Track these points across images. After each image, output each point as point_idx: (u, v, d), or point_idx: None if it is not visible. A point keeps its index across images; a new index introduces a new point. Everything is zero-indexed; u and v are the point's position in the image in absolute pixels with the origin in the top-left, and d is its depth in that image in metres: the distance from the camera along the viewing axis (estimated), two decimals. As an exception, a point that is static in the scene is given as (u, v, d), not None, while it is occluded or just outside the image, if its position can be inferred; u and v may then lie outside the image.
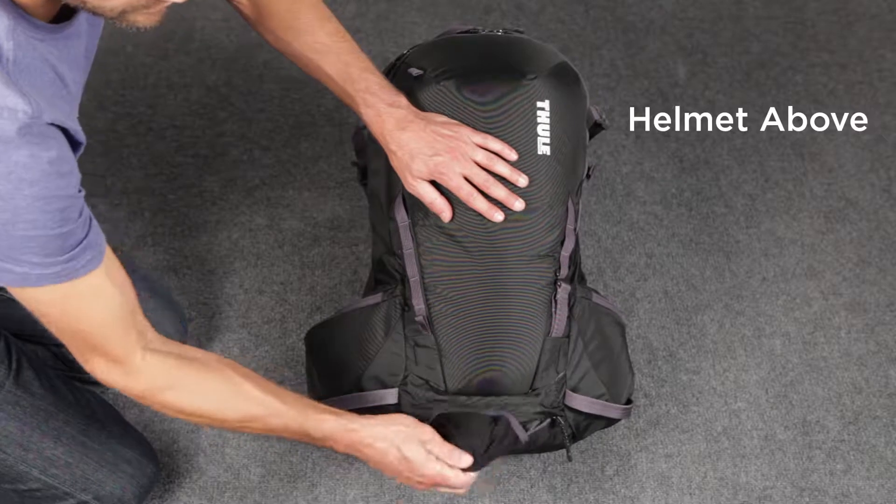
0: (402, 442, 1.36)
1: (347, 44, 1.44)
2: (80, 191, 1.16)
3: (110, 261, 1.23)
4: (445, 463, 1.37)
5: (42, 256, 1.13)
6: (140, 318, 1.29)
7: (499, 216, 1.43)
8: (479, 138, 1.42)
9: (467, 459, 1.38)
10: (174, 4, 1.08)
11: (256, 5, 1.44)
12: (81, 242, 1.16)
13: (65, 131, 1.12)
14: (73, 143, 1.15)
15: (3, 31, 1.05)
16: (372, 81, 1.42)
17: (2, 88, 1.03)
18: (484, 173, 1.42)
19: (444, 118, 1.43)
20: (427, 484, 1.39)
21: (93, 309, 1.22)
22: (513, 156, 1.43)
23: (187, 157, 2.04)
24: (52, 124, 1.09)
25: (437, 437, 1.38)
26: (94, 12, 1.07)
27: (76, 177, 1.15)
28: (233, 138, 2.06)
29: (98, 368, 1.27)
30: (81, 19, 1.17)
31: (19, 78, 1.06)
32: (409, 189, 1.44)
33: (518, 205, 1.43)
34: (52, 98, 1.12)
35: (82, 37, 1.20)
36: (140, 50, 2.20)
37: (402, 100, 1.42)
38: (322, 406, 1.38)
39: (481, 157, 1.42)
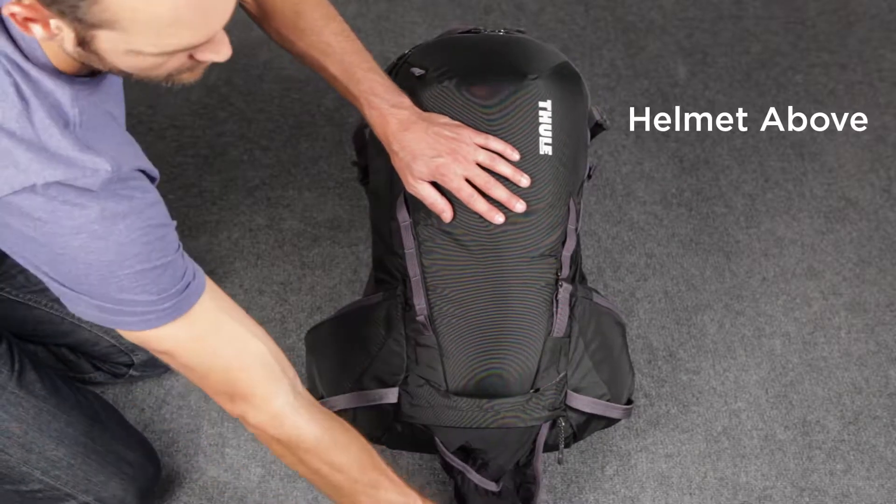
0: None
1: (352, 43, 1.44)
2: (172, 220, 1.18)
3: (218, 291, 1.24)
4: None
5: (156, 293, 1.14)
6: (282, 358, 1.28)
7: (499, 218, 1.43)
8: (481, 139, 1.42)
9: None
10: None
11: (261, 4, 1.45)
12: (186, 271, 1.18)
13: (142, 172, 1.15)
14: (150, 179, 1.18)
15: (68, 101, 1.09)
16: (376, 82, 1.42)
17: (79, 154, 1.07)
18: (485, 174, 1.41)
19: (446, 119, 1.43)
20: None
21: (223, 342, 1.22)
22: (515, 156, 1.43)
23: (187, 157, 2.04)
24: (133, 170, 1.13)
25: None
26: (143, 80, 1.10)
27: (164, 207, 1.17)
28: (233, 138, 2.06)
29: (248, 417, 1.26)
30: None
31: (90, 139, 1.10)
32: (410, 190, 1.44)
33: (519, 206, 1.42)
34: (121, 146, 1.15)
35: (118, 79, 1.22)
36: (140, 50, 2.19)
37: (406, 100, 1.42)
38: (398, 485, 1.39)
39: (483, 157, 1.41)
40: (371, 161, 1.59)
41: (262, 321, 1.80)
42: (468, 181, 1.41)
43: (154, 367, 1.67)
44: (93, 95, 1.13)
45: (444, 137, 1.40)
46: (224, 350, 1.23)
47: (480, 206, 1.42)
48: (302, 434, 1.29)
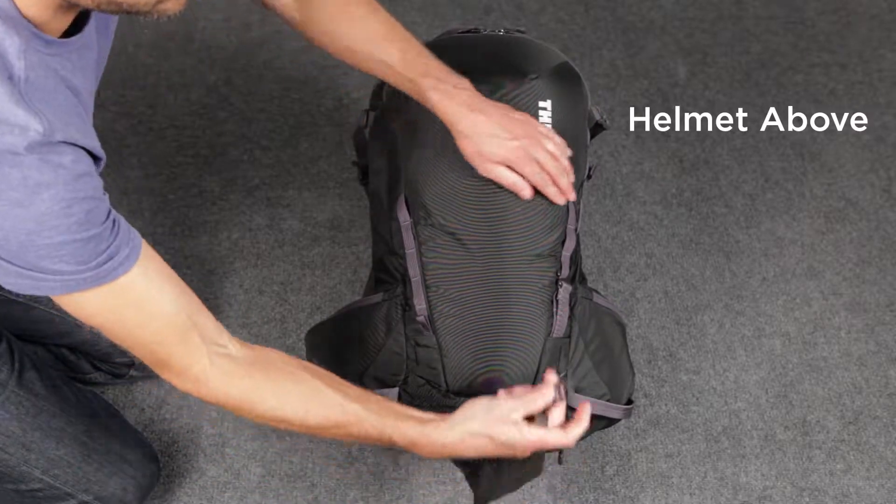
0: (490, 430, 1.31)
1: (400, 28, 1.42)
2: (103, 193, 1.14)
3: (153, 263, 1.20)
4: (540, 426, 1.33)
5: (74, 264, 1.11)
6: (204, 321, 1.25)
7: (562, 200, 1.43)
8: (545, 128, 1.41)
9: (552, 406, 1.33)
10: None
11: (304, 2, 1.42)
12: (111, 245, 1.14)
13: (82, 149, 1.11)
14: (93, 158, 1.14)
15: (15, 51, 1.04)
16: (433, 66, 1.39)
17: (12, 107, 1.02)
18: (556, 163, 1.41)
19: (506, 105, 1.41)
20: (532, 450, 1.35)
21: (142, 315, 1.19)
22: (569, 151, 1.42)
23: (187, 157, 2.04)
24: (65, 142, 1.08)
25: (514, 402, 1.32)
26: (129, 12, 1.06)
27: (96, 180, 1.13)
28: (233, 138, 2.06)
29: (176, 384, 1.24)
30: (91, 29, 1.16)
31: (32, 97, 1.05)
32: (483, 171, 1.40)
33: (572, 196, 1.43)
34: (66, 116, 1.11)
35: (93, 47, 1.19)
36: (140, 50, 2.20)
37: (466, 82, 1.39)
38: (405, 411, 1.34)
39: (552, 146, 1.40)
40: (371, 161, 1.59)
41: (263, 321, 1.80)
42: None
43: (154, 367, 1.67)
44: (53, 57, 1.09)
45: (514, 121, 1.38)
46: (144, 324, 1.19)
47: (551, 190, 1.42)
48: (230, 395, 1.25)
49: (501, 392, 1.34)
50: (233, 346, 1.27)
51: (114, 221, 1.16)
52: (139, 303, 1.18)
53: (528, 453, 1.33)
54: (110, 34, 1.27)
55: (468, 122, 1.37)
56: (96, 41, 1.20)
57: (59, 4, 1.04)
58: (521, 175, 1.40)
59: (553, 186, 1.42)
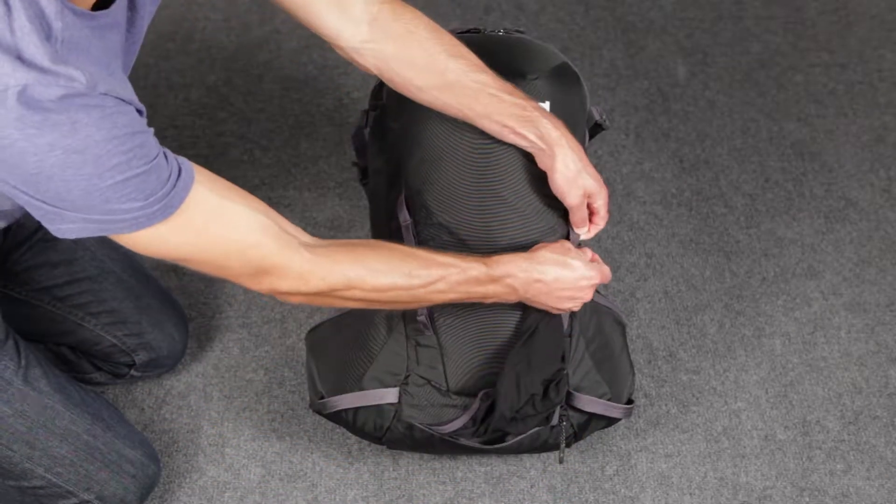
0: (565, 260, 1.39)
1: (486, 65, 1.40)
2: (149, 127, 1.15)
3: (209, 176, 1.21)
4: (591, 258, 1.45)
5: (143, 199, 1.11)
6: (277, 216, 1.26)
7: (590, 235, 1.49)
8: None
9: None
10: None
11: (398, 35, 1.37)
12: (171, 172, 1.14)
13: (123, 101, 1.11)
14: (136, 112, 1.14)
15: (53, 13, 1.05)
16: (524, 98, 1.39)
17: (54, 66, 1.03)
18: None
19: None
20: (597, 283, 1.43)
21: (226, 225, 1.19)
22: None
23: (187, 157, 2.03)
24: (108, 94, 1.08)
25: (568, 244, 1.42)
26: None
27: (141, 114, 1.13)
28: (233, 138, 2.06)
29: (277, 287, 1.25)
30: (118, 10, 1.16)
31: (71, 55, 1.06)
32: (570, 203, 1.43)
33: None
34: (105, 73, 1.11)
35: (119, 29, 1.18)
36: (140, 50, 2.19)
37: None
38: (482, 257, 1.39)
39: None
40: (370, 161, 1.59)
41: (263, 321, 1.80)
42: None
43: (155, 367, 1.67)
44: (84, 28, 1.10)
45: (586, 160, 1.43)
46: (229, 234, 1.20)
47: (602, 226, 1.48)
48: (330, 280, 1.27)
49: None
50: (313, 240, 1.29)
51: (164, 151, 1.16)
52: (219, 213, 1.19)
53: (592, 287, 1.43)
54: (141, 29, 1.26)
55: (571, 151, 1.39)
56: (124, 27, 1.20)
57: None
58: (596, 209, 1.45)
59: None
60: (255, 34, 2.24)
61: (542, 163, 1.40)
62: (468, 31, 1.59)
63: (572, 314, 1.51)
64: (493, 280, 1.37)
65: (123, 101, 1.11)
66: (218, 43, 2.23)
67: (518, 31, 1.59)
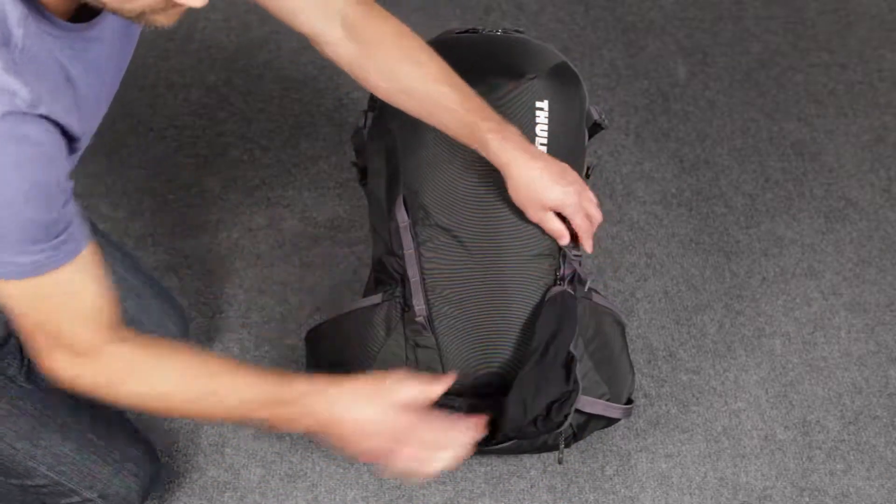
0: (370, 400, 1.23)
1: (457, 76, 1.40)
2: (69, 180, 1.13)
3: (91, 255, 1.19)
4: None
5: (28, 243, 1.09)
6: (114, 312, 1.22)
7: (591, 249, 1.47)
8: (584, 182, 1.45)
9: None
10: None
11: (365, 39, 1.39)
12: (66, 230, 1.12)
13: (61, 127, 1.09)
14: (71, 140, 1.12)
15: (15, 19, 1.03)
16: (488, 110, 1.39)
17: (4, 75, 1.01)
18: (598, 213, 1.45)
19: (551, 156, 1.44)
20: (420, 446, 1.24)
21: (69, 302, 1.17)
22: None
23: (187, 157, 2.04)
24: (47, 117, 1.06)
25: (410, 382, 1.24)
26: (115, 12, 1.06)
27: (64, 167, 1.11)
28: (233, 138, 2.07)
29: (60, 362, 1.21)
30: (105, 25, 1.15)
31: (25, 66, 1.04)
32: (533, 216, 1.43)
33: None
34: (56, 93, 1.09)
35: (104, 43, 1.17)
36: (140, 50, 2.19)
37: (517, 129, 1.40)
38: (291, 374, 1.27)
39: (592, 197, 1.45)
40: (370, 162, 1.59)
41: (262, 321, 1.80)
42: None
43: (154, 367, 1.67)
44: (56, 39, 1.08)
45: (565, 171, 1.41)
46: (66, 307, 1.18)
47: (590, 242, 1.45)
48: (114, 373, 1.22)
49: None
50: (131, 335, 1.23)
51: (72, 209, 1.13)
52: (72, 290, 1.17)
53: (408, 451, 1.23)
54: (131, 42, 1.26)
55: (526, 168, 1.39)
56: (110, 40, 1.19)
57: None
58: (573, 222, 1.43)
59: (591, 238, 1.45)
60: (255, 34, 2.24)
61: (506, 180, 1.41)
62: (467, 31, 1.59)
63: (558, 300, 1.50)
64: (286, 404, 1.22)
65: (61, 126, 1.08)
66: (218, 43, 2.23)
67: (518, 31, 1.59)
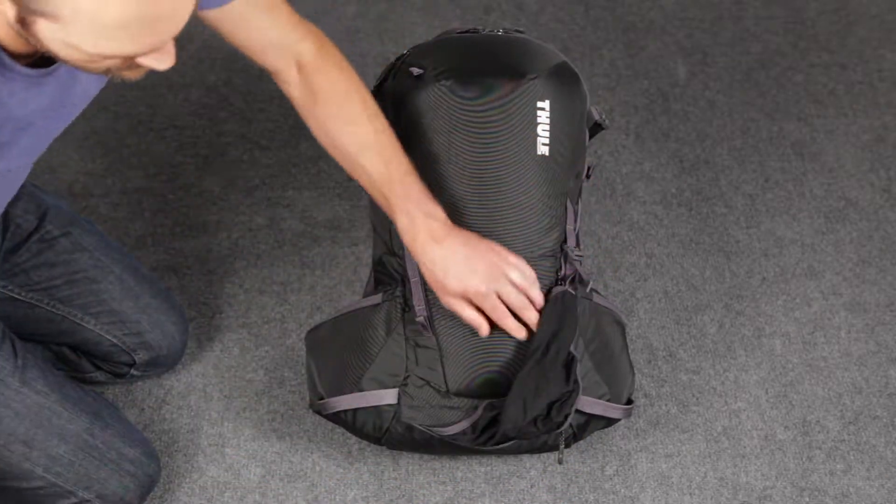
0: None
1: (392, 143, 1.42)
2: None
3: None
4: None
5: None
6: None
7: (521, 334, 1.43)
8: (514, 258, 1.42)
9: None
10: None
11: (312, 89, 1.43)
12: None
13: None
14: None
15: None
16: (412, 187, 1.40)
17: None
18: (520, 296, 1.42)
19: (477, 235, 1.42)
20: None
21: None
22: (537, 283, 1.44)
23: (187, 157, 2.04)
24: None
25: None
26: (80, 69, 1.07)
27: None
28: (233, 138, 2.06)
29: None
30: (62, 69, 1.17)
31: None
32: (445, 304, 1.43)
33: (534, 326, 1.44)
34: None
35: (56, 85, 1.18)
36: (140, 50, 2.19)
37: (440, 211, 1.40)
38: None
39: (517, 277, 1.41)
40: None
41: (262, 321, 1.80)
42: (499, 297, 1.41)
43: (155, 366, 1.67)
44: (7, 82, 1.10)
45: (479, 254, 1.39)
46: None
47: (509, 323, 1.42)
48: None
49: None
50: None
51: None
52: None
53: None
54: (86, 90, 1.26)
55: (430, 255, 1.39)
56: (65, 84, 1.20)
57: (16, 29, 1.03)
58: (484, 310, 1.41)
59: (511, 319, 1.42)
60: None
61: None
62: (468, 31, 1.59)
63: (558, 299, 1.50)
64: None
65: None
66: (218, 43, 2.22)
67: (518, 31, 1.59)
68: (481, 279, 1.39)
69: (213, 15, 1.37)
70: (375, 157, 1.42)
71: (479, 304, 1.41)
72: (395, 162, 1.41)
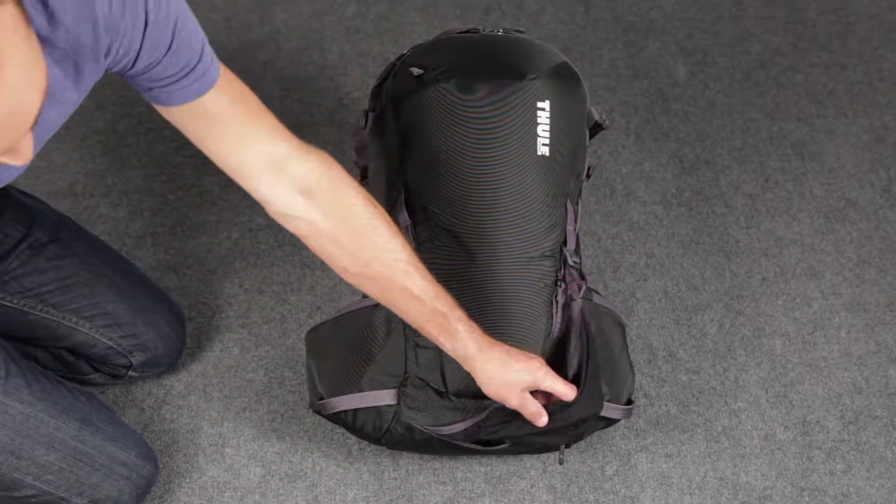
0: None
1: (421, 263, 1.37)
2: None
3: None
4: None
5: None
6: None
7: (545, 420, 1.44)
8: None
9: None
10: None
11: (328, 214, 1.32)
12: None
13: None
14: None
15: None
16: (453, 300, 1.38)
17: None
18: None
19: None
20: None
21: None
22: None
23: (187, 157, 2.04)
24: None
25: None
26: None
27: None
28: (233, 138, 2.06)
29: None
30: None
31: None
32: (516, 402, 1.42)
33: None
34: None
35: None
36: (140, 50, 2.19)
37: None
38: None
39: (561, 385, 1.43)
40: (370, 162, 1.59)
41: (262, 321, 1.80)
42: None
43: (153, 366, 1.67)
44: None
45: (520, 354, 1.41)
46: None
47: (543, 420, 1.44)
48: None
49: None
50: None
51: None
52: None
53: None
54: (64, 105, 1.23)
55: (493, 355, 1.39)
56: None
57: None
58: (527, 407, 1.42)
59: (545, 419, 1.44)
60: (255, 34, 2.24)
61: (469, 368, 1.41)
62: (468, 31, 1.59)
63: (570, 317, 1.51)
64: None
65: None
66: (218, 43, 2.22)
67: (518, 31, 1.60)
68: (531, 362, 1.41)
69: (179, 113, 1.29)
70: (417, 279, 1.34)
71: (539, 387, 1.42)
72: (431, 276, 1.36)
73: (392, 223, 1.34)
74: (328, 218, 1.32)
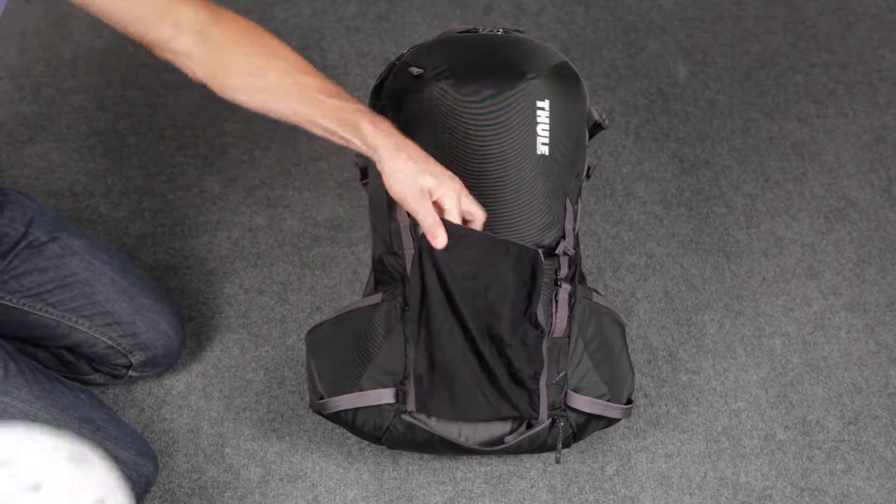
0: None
1: (313, 68, 1.37)
2: None
3: None
4: None
5: None
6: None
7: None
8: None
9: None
10: None
11: (213, 41, 1.36)
12: None
13: None
14: None
15: None
16: (356, 100, 1.36)
17: None
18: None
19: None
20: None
21: None
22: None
23: (187, 157, 2.04)
24: None
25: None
26: None
27: None
28: (233, 138, 2.06)
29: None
30: None
31: None
32: (409, 205, 1.35)
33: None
34: None
35: None
36: (140, 50, 2.18)
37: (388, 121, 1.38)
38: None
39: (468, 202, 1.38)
40: (370, 161, 1.59)
41: (262, 321, 1.80)
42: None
43: (153, 366, 1.67)
44: None
45: (434, 163, 1.36)
46: None
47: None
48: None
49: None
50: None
51: None
52: None
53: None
54: None
55: (398, 152, 1.33)
56: None
57: None
58: (444, 208, 1.35)
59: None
60: (255, 34, 2.24)
61: (378, 167, 1.35)
62: (468, 31, 1.59)
63: (571, 314, 1.50)
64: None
65: None
66: (218, 43, 2.22)
67: (518, 31, 1.59)
68: (444, 173, 1.35)
69: None
70: (313, 80, 1.35)
71: (437, 198, 1.34)
72: (327, 82, 1.35)
73: (271, 35, 1.37)
74: (213, 45, 1.36)
